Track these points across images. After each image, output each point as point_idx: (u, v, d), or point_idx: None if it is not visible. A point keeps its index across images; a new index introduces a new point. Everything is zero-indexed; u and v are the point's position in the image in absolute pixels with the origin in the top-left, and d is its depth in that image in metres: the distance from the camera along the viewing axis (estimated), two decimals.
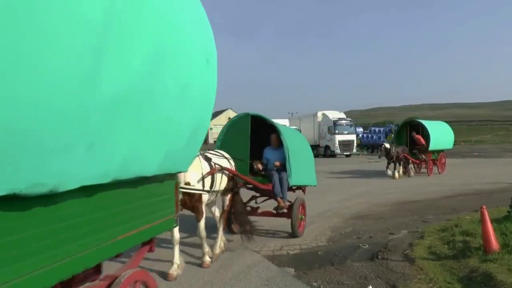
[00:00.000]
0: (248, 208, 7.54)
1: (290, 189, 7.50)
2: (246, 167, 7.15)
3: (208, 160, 5.75)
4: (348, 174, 17.20)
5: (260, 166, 7.32)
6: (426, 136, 18.81)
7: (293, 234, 7.19)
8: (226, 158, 6.38)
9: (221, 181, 5.95)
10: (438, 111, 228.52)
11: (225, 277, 5.18)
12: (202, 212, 5.50)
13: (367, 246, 6.54)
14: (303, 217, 7.54)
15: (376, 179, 17.45)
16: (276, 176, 7.00)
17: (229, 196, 6.49)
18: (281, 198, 6.92)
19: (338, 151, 36.45)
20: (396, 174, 17.65)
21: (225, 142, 7.49)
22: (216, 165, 5.81)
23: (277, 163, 7.16)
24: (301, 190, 8.07)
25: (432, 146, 18.58)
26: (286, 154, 6.95)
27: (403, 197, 11.95)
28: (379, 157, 19.29)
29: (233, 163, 6.52)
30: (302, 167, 7.51)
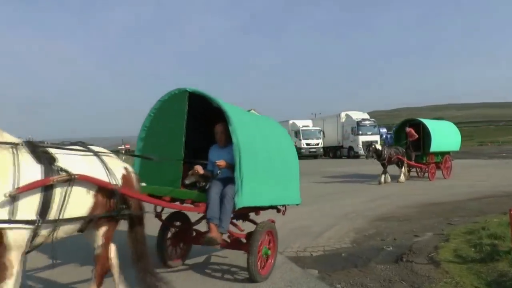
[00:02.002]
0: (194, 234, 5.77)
1: (255, 209, 5.57)
2: (176, 174, 5.16)
3: (42, 157, 3.26)
4: (371, 175, 17.00)
5: (199, 170, 5.13)
6: (427, 137, 17.48)
7: (250, 277, 4.95)
8: (101, 155, 3.96)
9: (75, 202, 3.39)
10: (465, 111, 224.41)
11: (247, 279, 5.18)
12: (6, 268, 2.93)
13: (391, 248, 6.48)
14: (269, 252, 5.30)
15: (411, 179, 17.24)
16: (214, 191, 4.79)
17: (103, 230, 3.90)
18: (215, 225, 4.68)
19: (361, 152, 36.16)
20: (383, 178, 16.12)
21: (152, 134, 5.44)
22: (62, 170, 3.32)
23: (221, 162, 4.94)
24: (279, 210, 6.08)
25: (434, 148, 17.24)
26: (236, 155, 4.67)
27: (428, 199, 11.77)
28: (367, 158, 17.16)
29: (121, 167, 4.13)
30: (269, 177, 5.31)
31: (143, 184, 4.84)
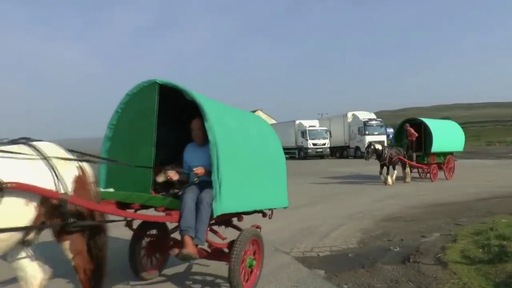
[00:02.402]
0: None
1: (237, 215, 4.97)
2: (147, 178, 4.53)
3: None
4: (378, 176, 16.94)
5: (172, 176, 4.56)
6: (429, 137, 17.05)
7: None
8: (48, 155, 3.34)
9: (9, 215, 2.89)
10: (472, 111, 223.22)
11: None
12: None
13: (398, 248, 6.46)
14: (254, 263, 4.77)
15: (413, 180, 17.16)
16: (189, 196, 4.24)
17: (68, 244, 3.48)
18: (190, 237, 4.13)
19: None
20: (390, 180, 15.80)
21: (120, 133, 4.86)
22: None
23: (199, 170, 4.39)
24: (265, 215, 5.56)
25: (435, 148, 16.79)
26: (213, 155, 4.16)
27: (436, 199, 11.73)
28: (366, 159, 16.57)
29: (74, 167, 3.58)
30: (252, 180, 4.82)
31: (111, 189, 4.55)
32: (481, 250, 5.84)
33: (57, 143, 3.73)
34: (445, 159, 17.67)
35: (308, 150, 39.15)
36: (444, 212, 9.64)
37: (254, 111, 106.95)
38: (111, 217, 4.07)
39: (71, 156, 3.66)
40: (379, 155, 15.88)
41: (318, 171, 22.93)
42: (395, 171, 16.54)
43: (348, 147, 39.07)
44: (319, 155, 39.51)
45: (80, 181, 3.53)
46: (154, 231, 5.32)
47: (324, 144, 39.68)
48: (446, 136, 17.65)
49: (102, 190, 4.52)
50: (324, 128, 40.92)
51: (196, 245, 4.20)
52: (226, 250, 4.66)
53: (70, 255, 3.51)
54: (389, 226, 8.20)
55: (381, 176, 16.04)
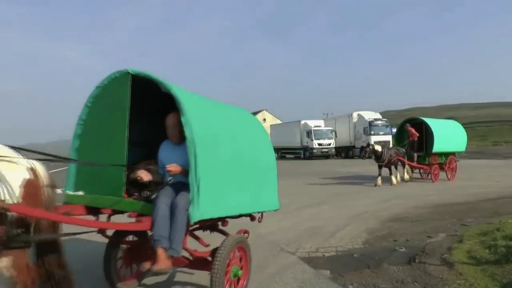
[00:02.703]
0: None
1: (220, 220, 4.52)
2: (119, 179, 4.02)
3: None
4: (383, 176, 16.92)
5: (143, 176, 4.02)
6: (430, 137, 16.80)
7: None
8: None
9: None
10: (478, 111, 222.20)
11: (260, 278, 5.20)
12: None
13: (404, 249, 6.44)
14: (240, 273, 4.38)
15: (415, 180, 17.11)
16: (163, 200, 3.76)
17: (4, 263, 2.94)
18: (163, 249, 3.65)
19: None
20: (394, 180, 15.70)
21: (90, 130, 4.39)
22: None
23: (172, 167, 3.96)
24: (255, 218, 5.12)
25: (436, 148, 16.53)
26: (191, 154, 3.70)
27: (442, 200, 11.68)
28: (362, 158, 16.45)
29: (24, 170, 3.13)
30: (237, 181, 4.36)
31: (80, 193, 4.16)
32: (487, 250, 5.81)
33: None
34: (446, 160, 17.38)
35: (314, 150, 39.18)
36: (450, 212, 9.60)
37: (259, 111, 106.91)
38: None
39: (18, 157, 3.14)
40: (378, 156, 15.59)
41: (324, 171, 22.90)
42: (398, 172, 16.42)
43: (354, 147, 39.04)
44: (325, 155, 39.51)
45: (30, 185, 3.06)
46: (132, 237, 4.79)
47: (330, 144, 39.69)
48: (448, 136, 17.38)
49: (70, 193, 4.21)
50: (330, 128, 40.93)
51: (171, 257, 3.69)
52: (210, 258, 4.18)
53: (8, 274, 2.92)
54: (395, 227, 8.18)
55: (379, 178, 15.65)
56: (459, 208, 10.22)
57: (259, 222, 5.11)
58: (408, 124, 17.42)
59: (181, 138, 4.04)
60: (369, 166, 16.32)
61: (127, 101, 4.08)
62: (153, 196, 3.96)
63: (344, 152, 40.87)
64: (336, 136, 40.06)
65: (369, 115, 38.86)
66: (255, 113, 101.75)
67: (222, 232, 4.87)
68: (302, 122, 42.18)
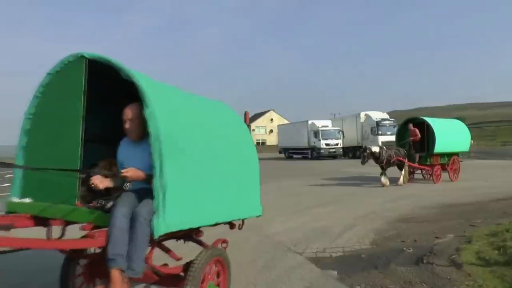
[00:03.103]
0: None
1: (195, 230, 3.97)
2: (72, 185, 3.45)
3: None
4: (391, 176, 16.83)
5: (97, 183, 3.39)
6: (432, 137, 16.31)
7: None
8: None
9: None
10: (487, 110, 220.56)
11: (267, 278, 5.21)
12: None
13: (411, 250, 6.41)
14: None
15: (420, 181, 17.03)
16: (120, 211, 3.16)
17: None
18: (119, 269, 3.05)
19: None
20: (384, 180, 15.20)
21: (40, 125, 3.75)
22: None
23: (129, 171, 3.32)
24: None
25: (438, 149, 16.08)
26: (155, 154, 3.13)
27: (449, 200, 11.61)
28: (363, 163, 15.60)
29: None
30: (213, 185, 3.79)
31: (26, 200, 3.63)
32: (496, 251, 5.77)
33: None
34: (449, 160, 16.99)
35: (321, 151, 39.13)
36: (458, 213, 9.54)
37: (266, 111, 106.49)
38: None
39: None
40: (376, 157, 15.28)
41: (331, 171, 22.86)
42: (402, 172, 15.99)
43: (361, 147, 38.93)
44: (332, 156, 39.44)
45: None
46: (93, 249, 3.94)
47: (337, 144, 39.61)
48: (450, 135, 16.94)
49: (15, 201, 3.66)
50: (337, 128, 40.85)
51: (130, 279, 3.12)
52: (182, 273, 3.67)
53: None
54: (402, 227, 8.14)
55: (382, 178, 15.35)
56: (467, 208, 10.16)
57: (239, 229, 4.58)
58: (411, 124, 17.07)
59: (141, 135, 3.53)
60: (375, 167, 16.25)
61: (82, 90, 3.46)
62: (109, 205, 3.34)
63: (351, 152, 40.73)
64: (343, 136, 39.98)
65: (377, 115, 38.71)
66: (262, 113, 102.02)
67: (198, 242, 4.38)
68: (310, 122, 42.13)
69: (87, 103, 3.54)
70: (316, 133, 40.22)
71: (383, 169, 15.41)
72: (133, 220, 3.14)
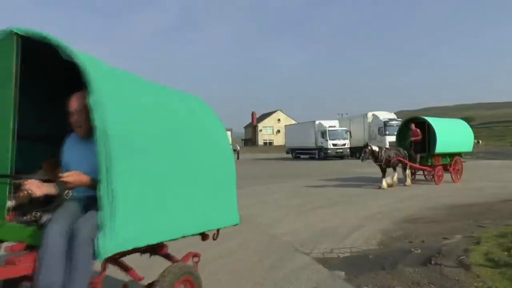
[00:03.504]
0: None
1: (157, 245, 3.29)
2: (2, 193, 2.76)
3: None
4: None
5: (34, 190, 2.73)
6: (433, 137, 15.87)
7: None
8: None
9: None
10: (496, 110, 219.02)
11: (275, 278, 5.21)
12: None
13: (419, 250, 6.38)
14: None
15: (428, 182, 16.94)
16: (55, 229, 2.55)
17: None
18: None
19: None
20: (384, 183, 14.79)
21: None
22: None
23: (69, 176, 2.71)
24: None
25: (439, 149, 15.61)
26: (101, 153, 2.53)
27: (457, 201, 11.54)
28: (362, 160, 15.38)
29: None
30: (178, 193, 3.22)
31: None
32: (506, 253, 5.72)
33: None
34: (451, 161, 16.53)
35: (328, 151, 39.07)
36: (466, 213, 9.48)
37: (273, 112, 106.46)
38: None
39: None
40: (375, 157, 14.91)
41: (338, 172, 22.80)
42: (407, 173, 15.70)
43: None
44: (339, 156, 39.36)
45: None
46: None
47: (344, 145, 39.53)
48: (452, 135, 16.43)
49: None
50: (344, 128, 40.77)
51: None
52: None
53: None
54: (410, 228, 8.10)
55: (383, 181, 14.93)
56: (476, 209, 10.09)
57: (214, 239, 4.04)
58: (413, 124, 16.58)
59: (90, 131, 2.73)
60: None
61: (12, 74, 2.77)
62: (45, 219, 2.70)
63: (359, 152, 40.47)
64: (351, 137, 39.90)
65: (384, 115, 38.57)
66: (269, 114, 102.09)
67: (166, 256, 3.82)
68: (317, 122, 42.08)
69: (27, 94, 3.03)
70: (323, 133, 40.18)
71: (383, 170, 15.10)
72: (71, 240, 2.51)
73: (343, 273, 5.41)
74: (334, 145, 38.94)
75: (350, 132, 40.07)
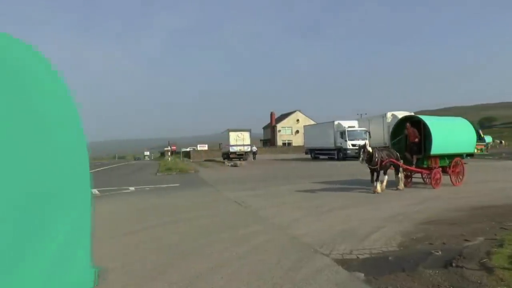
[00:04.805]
0: None
1: None
2: None
3: None
4: (418, 177, 16.54)
5: None
6: (428, 137, 14.79)
7: None
8: None
9: None
10: None
11: (294, 279, 5.22)
12: None
13: (440, 252, 6.31)
14: None
15: (449, 182, 16.72)
16: None
17: None
18: None
19: None
20: (378, 187, 13.73)
21: None
22: None
23: None
24: None
25: (435, 150, 14.55)
26: None
27: (479, 202, 11.35)
28: (361, 162, 14.00)
29: None
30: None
31: None
32: None
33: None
34: (451, 162, 15.42)
35: (347, 151, 38.89)
36: (488, 215, 9.32)
37: (292, 112, 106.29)
38: None
39: None
40: (369, 158, 13.78)
41: (357, 172, 22.64)
42: (400, 176, 14.66)
43: (388, 147, 38.54)
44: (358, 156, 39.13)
45: None
46: None
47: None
48: (451, 135, 15.26)
49: None
50: (363, 128, 40.52)
51: None
52: None
53: None
54: (430, 229, 8.01)
55: (377, 185, 13.83)
56: (498, 210, 9.91)
57: None
58: (408, 125, 15.59)
59: None
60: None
61: None
62: None
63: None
64: (370, 137, 39.61)
65: (404, 115, 38.22)
66: (288, 114, 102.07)
67: None
68: (336, 122, 41.94)
69: None
70: (342, 134, 40.01)
71: (376, 173, 13.89)
72: None
73: (362, 275, 5.39)
74: (353, 145, 38.72)
75: (369, 132, 39.79)
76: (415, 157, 15.17)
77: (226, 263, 5.97)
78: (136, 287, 5.14)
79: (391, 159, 14.25)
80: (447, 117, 18.27)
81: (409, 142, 15.40)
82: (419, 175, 16.20)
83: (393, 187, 14.76)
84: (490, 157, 36.67)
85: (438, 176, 14.90)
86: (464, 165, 16.17)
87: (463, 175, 15.81)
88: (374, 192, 13.63)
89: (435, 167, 15.02)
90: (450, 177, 15.41)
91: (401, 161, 14.79)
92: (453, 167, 15.48)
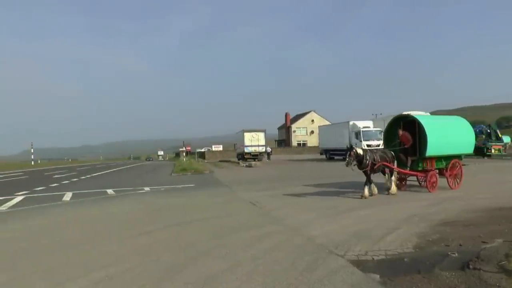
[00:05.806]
0: None
1: None
2: None
3: None
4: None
5: None
6: (423, 137, 13.94)
7: None
8: None
9: None
10: None
11: (309, 280, 5.22)
12: None
13: (456, 254, 6.25)
14: None
15: (465, 183, 16.52)
16: None
17: None
18: None
19: None
20: (366, 191, 12.94)
21: None
22: None
23: None
24: None
25: (431, 151, 13.74)
26: None
27: (497, 203, 11.19)
28: (347, 165, 12.86)
29: None
30: None
31: None
32: None
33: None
34: (447, 164, 14.62)
35: None
36: (507, 217, 9.18)
37: (307, 112, 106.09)
38: None
39: None
40: (359, 161, 12.97)
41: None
42: (392, 179, 13.84)
43: None
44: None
45: None
46: None
47: (378, 145, 39.01)
48: (447, 136, 14.47)
49: None
50: (378, 129, 40.27)
51: None
52: None
53: None
54: (447, 231, 7.93)
55: (365, 189, 13.12)
56: None
57: None
58: (400, 130, 14.64)
59: None
60: None
61: None
62: None
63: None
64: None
65: (397, 115, 37.89)
66: (303, 114, 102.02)
67: None
68: (351, 123, 41.77)
69: None
70: (357, 134, 39.84)
71: (368, 176, 13.26)
72: None
73: (378, 276, 5.36)
74: (368, 145, 38.49)
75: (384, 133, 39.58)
76: (409, 159, 14.41)
77: (241, 263, 6.00)
78: (152, 287, 5.20)
79: (384, 162, 13.46)
80: (444, 116, 17.61)
81: (403, 146, 14.39)
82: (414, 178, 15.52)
83: (384, 191, 14.03)
84: (509, 158, 36.12)
85: (434, 179, 14.21)
86: (463, 166, 15.53)
87: (461, 178, 15.13)
88: (362, 197, 12.86)
89: (430, 170, 14.28)
90: (447, 180, 14.66)
91: (395, 162, 14.04)
92: (450, 170, 14.68)
